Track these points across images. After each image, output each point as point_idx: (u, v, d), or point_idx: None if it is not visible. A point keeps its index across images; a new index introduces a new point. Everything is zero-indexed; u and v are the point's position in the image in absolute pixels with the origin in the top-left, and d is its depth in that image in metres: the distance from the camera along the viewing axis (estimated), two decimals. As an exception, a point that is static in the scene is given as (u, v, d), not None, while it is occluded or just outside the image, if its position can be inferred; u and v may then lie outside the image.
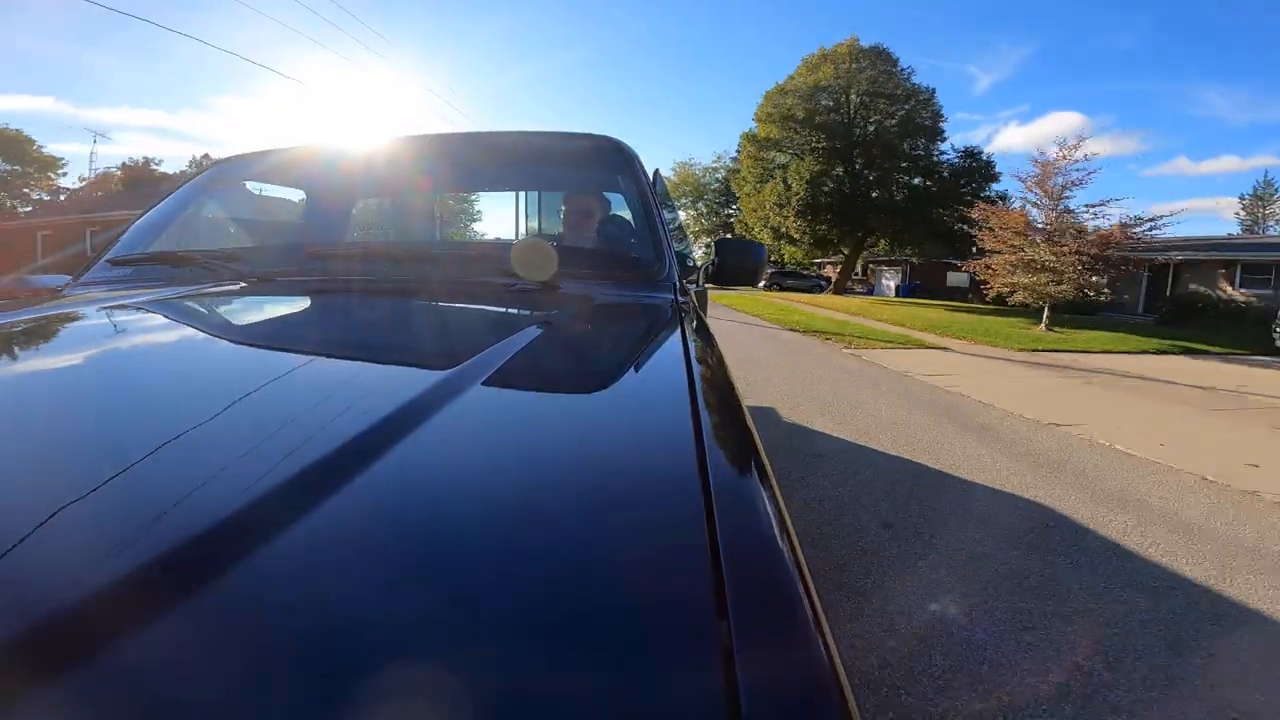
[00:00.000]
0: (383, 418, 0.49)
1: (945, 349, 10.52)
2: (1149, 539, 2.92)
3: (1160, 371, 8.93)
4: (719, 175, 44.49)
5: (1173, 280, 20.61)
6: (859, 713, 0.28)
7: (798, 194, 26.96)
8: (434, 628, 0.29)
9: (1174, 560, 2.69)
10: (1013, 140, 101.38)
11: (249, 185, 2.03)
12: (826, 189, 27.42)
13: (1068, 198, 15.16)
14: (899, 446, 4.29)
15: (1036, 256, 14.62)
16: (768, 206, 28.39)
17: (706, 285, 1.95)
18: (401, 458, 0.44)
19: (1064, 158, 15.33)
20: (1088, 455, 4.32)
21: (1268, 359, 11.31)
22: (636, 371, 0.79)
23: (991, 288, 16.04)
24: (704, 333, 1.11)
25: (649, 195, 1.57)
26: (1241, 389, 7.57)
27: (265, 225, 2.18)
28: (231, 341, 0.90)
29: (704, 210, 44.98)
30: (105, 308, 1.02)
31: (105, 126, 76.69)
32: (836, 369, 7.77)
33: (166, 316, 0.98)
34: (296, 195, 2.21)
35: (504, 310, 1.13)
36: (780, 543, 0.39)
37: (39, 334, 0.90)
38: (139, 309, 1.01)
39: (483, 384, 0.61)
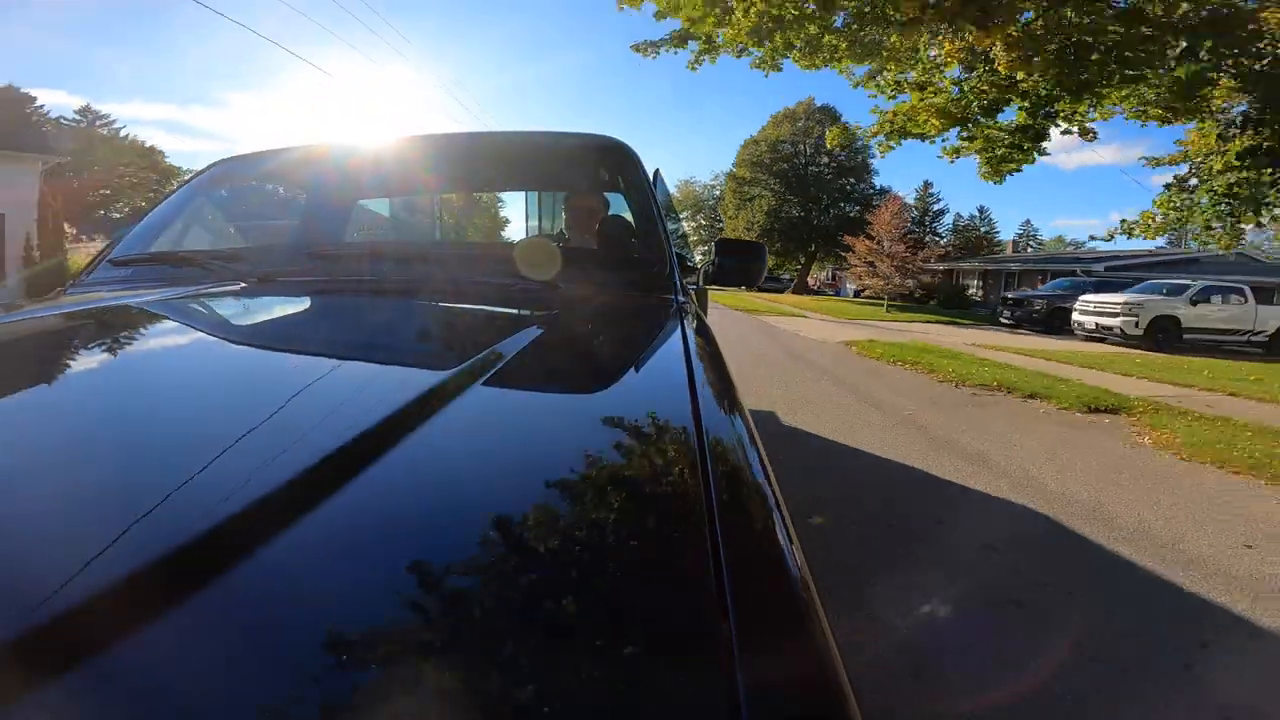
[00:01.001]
0: (384, 417, 0.49)
1: (807, 317, 17.48)
2: (788, 346, 10.71)
3: (909, 328, 15.59)
4: (715, 192, 52.78)
5: (1016, 283, 28.73)
6: (860, 713, 0.28)
7: (759, 221, 37.89)
8: (435, 628, 0.30)
9: (791, 348, 10.38)
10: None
11: (250, 185, 2.05)
12: (782, 216, 38.20)
13: (912, 228, 24.88)
14: (745, 343, 10.73)
15: (878, 266, 24.16)
16: (741, 229, 38.85)
17: (706, 285, 1.99)
18: (403, 457, 0.45)
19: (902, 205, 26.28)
20: (802, 343, 11.36)
21: (982, 326, 17.88)
22: (637, 371, 0.80)
23: (865, 288, 26.52)
24: (704, 332, 1.12)
25: (650, 195, 1.58)
26: (909, 330, 14.79)
27: (266, 225, 2.22)
28: (232, 342, 0.90)
29: (703, 222, 53.18)
30: (106, 308, 1.03)
31: (118, 120, 74.84)
32: (744, 324, 14.49)
33: (167, 317, 0.98)
34: (297, 195, 2.22)
35: (505, 310, 1.14)
36: (781, 542, 0.40)
37: (40, 334, 0.90)
38: (140, 309, 1.01)
39: (483, 384, 0.61)
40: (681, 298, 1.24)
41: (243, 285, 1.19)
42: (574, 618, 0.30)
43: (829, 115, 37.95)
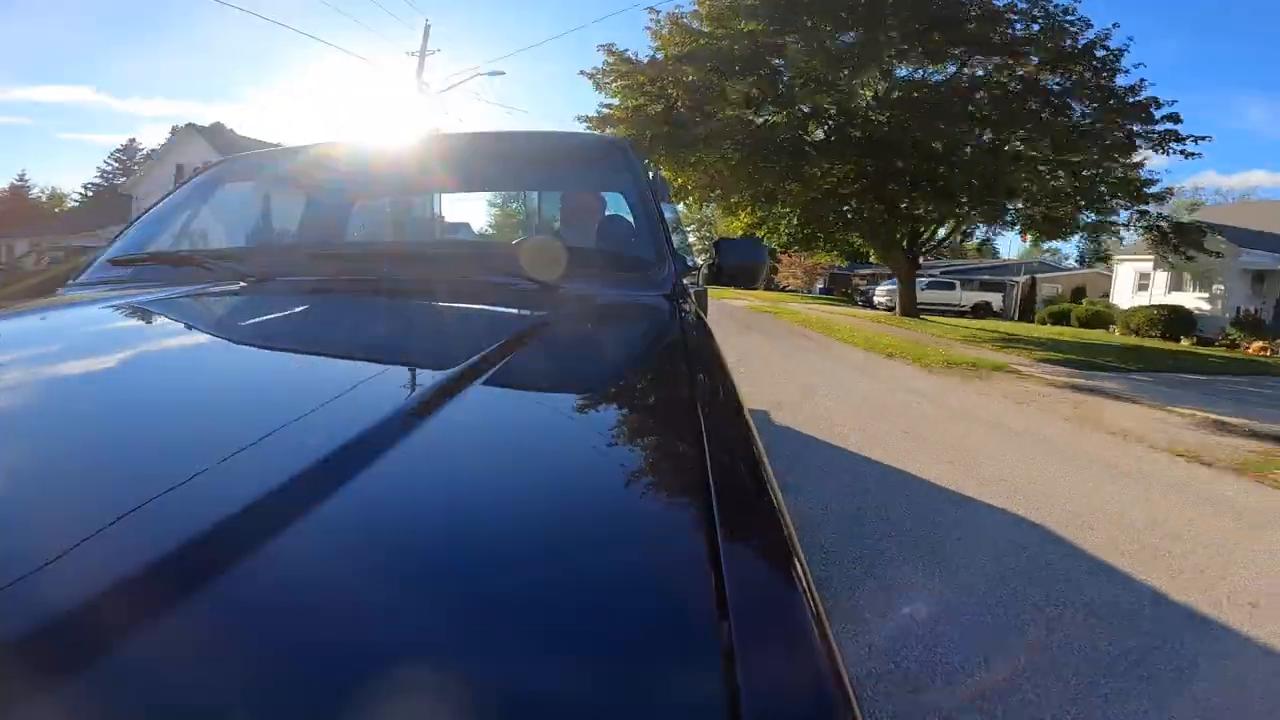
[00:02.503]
0: (383, 417, 0.49)
1: (744, 298, 22.60)
2: (722, 306, 14.92)
3: (794, 304, 22.94)
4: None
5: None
6: (861, 714, 0.28)
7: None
8: (434, 629, 0.30)
9: (744, 316, 15.37)
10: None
11: (250, 185, 2.05)
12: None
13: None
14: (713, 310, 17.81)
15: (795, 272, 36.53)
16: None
17: (706, 285, 1.98)
18: (402, 457, 0.44)
19: None
20: (730, 305, 17.99)
21: (845, 305, 25.66)
22: (637, 371, 0.80)
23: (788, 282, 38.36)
24: (704, 332, 1.11)
25: (649, 195, 1.56)
26: (791, 304, 22.36)
27: (265, 225, 2.20)
28: (231, 342, 0.90)
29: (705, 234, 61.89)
30: (104, 308, 1.02)
31: (140, 118, 74.34)
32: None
33: (166, 316, 0.98)
34: (297, 195, 2.21)
35: (504, 310, 1.14)
36: (781, 543, 0.39)
37: (37, 333, 0.89)
38: (138, 309, 1.00)
39: (482, 384, 0.61)
40: (681, 297, 1.25)
41: (241, 285, 1.19)
42: (574, 618, 0.30)
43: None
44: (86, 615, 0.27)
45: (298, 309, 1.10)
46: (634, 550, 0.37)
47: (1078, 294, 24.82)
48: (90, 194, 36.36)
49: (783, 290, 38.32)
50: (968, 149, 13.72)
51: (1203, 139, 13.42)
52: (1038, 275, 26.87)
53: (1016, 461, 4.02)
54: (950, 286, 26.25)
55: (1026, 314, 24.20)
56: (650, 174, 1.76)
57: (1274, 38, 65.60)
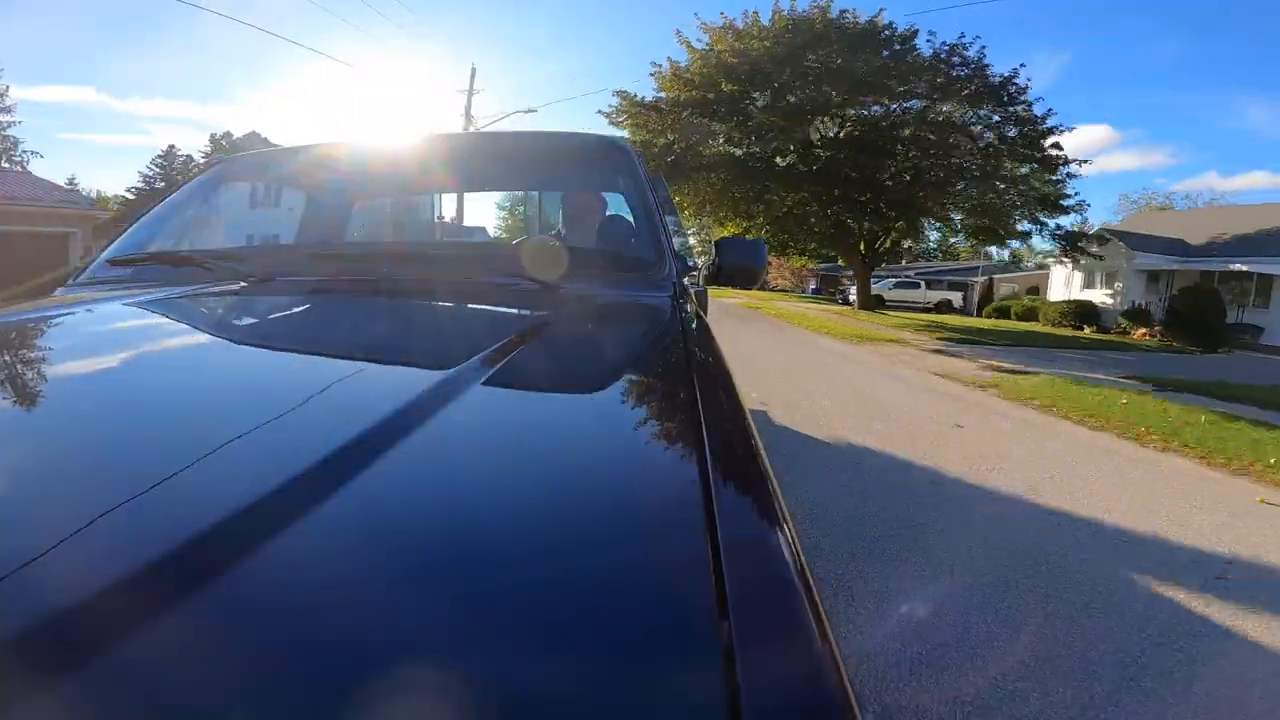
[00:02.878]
0: (383, 417, 0.48)
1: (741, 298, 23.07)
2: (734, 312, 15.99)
3: (779, 301, 23.73)
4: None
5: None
6: (860, 713, 0.27)
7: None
8: (434, 629, 0.29)
9: (730, 309, 15.94)
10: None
11: (250, 185, 2.06)
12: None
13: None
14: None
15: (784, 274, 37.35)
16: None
17: (706, 285, 1.90)
18: (402, 457, 0.43)
19: None
20: (723, 300, 18.47)
21: (827, 303, 25.42)
22: (637, 371, 0.78)
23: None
24: (704, 332, 1.08)
25: (649, 195, 1.50)
26: (779, 301, 23.11)
27: (265, 225, 2.10)
28: (231, 342, 0.87)
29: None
30: (104, 308, 0.98)
31: (141, 118, 72.56)
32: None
33: (165, 316, 0.94)
34: (298, 195, 2.12)
35: (504, 310, 1.10)
36: (781, 542, 0.38)
37: (35, 333, 0.85)
38: (137, 309, 0.96)
39: (483, 384, 0.59)
40: (681, 297, 1.20)
41: (241, 285, 1.14)
42: (574, 617, 0.29)
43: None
44: (86, 614, 0.27)
45: (298, 309, 1.07)
46: (634, 549, 0.36)
47: (1033, 292, 25.40)
48: (134, 197, 36.82)
49: (773, 290, 40.94)
50: (888, 179, 16.77)
51: (1085, 162, 17.01)
52: (996, 276, 28.13)
53: (854, 377, 7.35)
54: (916, 285, 27.78)
55: (982, 310, 25.59)
56: (650, 174, 1.68)
57: (1275, 38, 63.23)
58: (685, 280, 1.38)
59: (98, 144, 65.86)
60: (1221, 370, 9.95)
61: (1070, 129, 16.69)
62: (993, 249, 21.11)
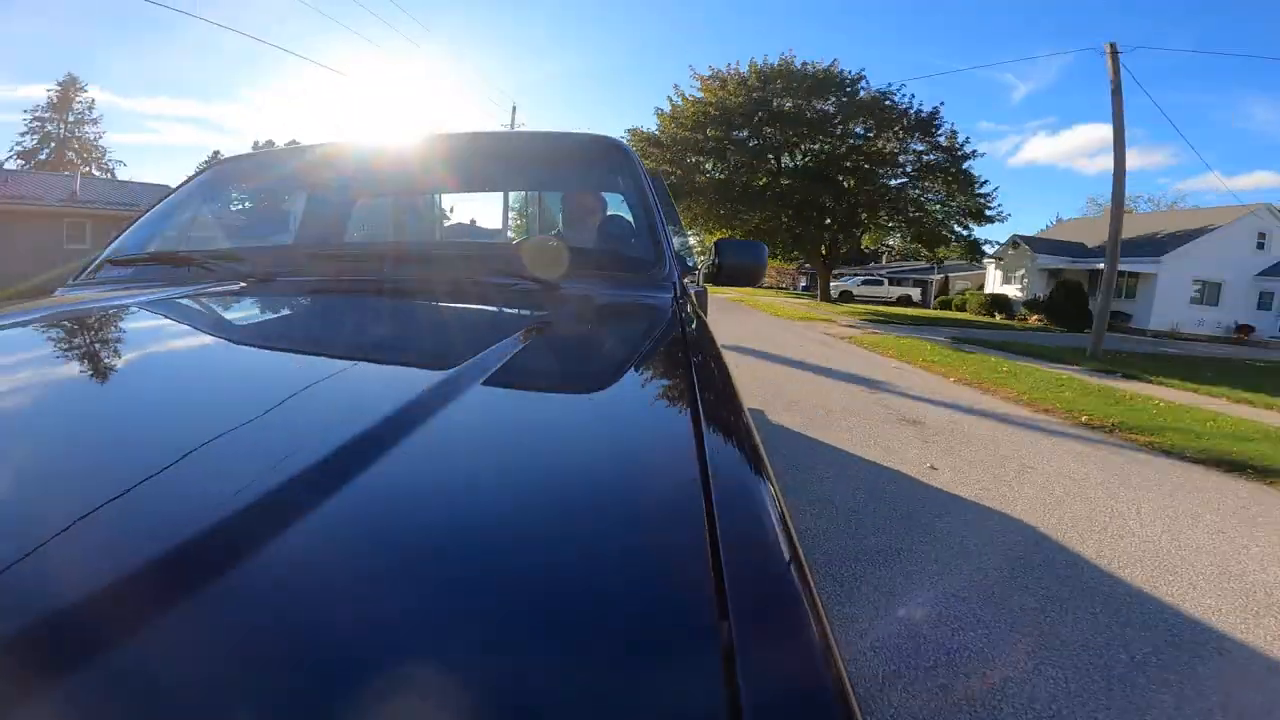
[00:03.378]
0: (383, 418, 0.46)
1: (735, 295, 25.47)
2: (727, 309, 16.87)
3: (761, 296, 26.89)
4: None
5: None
6: (860, 713, 0.27)
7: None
8: (433, 629, 0.28)
9: (716, 301, 10.47)
10: (1038, 152, 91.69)
11: (251, 185, 1.90)
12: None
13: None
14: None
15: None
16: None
17: (706, 285, 1.83)
18: (402, 457, 0.42)
19: None
20: (726, 300, 20.84)
21: (809, 298, 27.05)
22: (637, 371, 0.76)
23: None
24: (704, 332, 1.03)
25: (649, 195, 1.44)
26: (763, 296, 27.76)
27: (265, 225, 2.01)
28: (230, 342, 0.83)
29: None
30: (103, 308, 0.94)
31: (145, 116, 73.35)
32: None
33: (165, 317, 0.91)
34: (297, 195, 2.02)
35: (504, 310, 1.05)
36: (781, 542, 0.37)
37: (35, 333, 0.82)
38: (137, 309, 0.92)
39: (483, 384, 0.57)
40: (681, 297, 1.15)
41: (241, 285, 1.10)
42: (573, 618, 0.29)
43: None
44: (86, 614, 0.26)
45: (297, 309, 1.03)
46: (634, 550, 0.35)
47: (982, 288, 28.05)
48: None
49: (763, 287, 43.81)
50: (830, 203, 20.08)
51: (985, 182, 20.79)
52: (952, 274, 30.00)
53: (774, 333, 10.45)
54: (880, 283, 29.87)
55: (934, 303, 28.12)
56: (650, 174, 1.58)
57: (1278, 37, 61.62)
58: (685, 280, 1.31)
59: (105, 141, 63.62)
60: (1044, 341, 12.88)
61: (981, 155, 22.43)
62: (937, 251, 26.48)
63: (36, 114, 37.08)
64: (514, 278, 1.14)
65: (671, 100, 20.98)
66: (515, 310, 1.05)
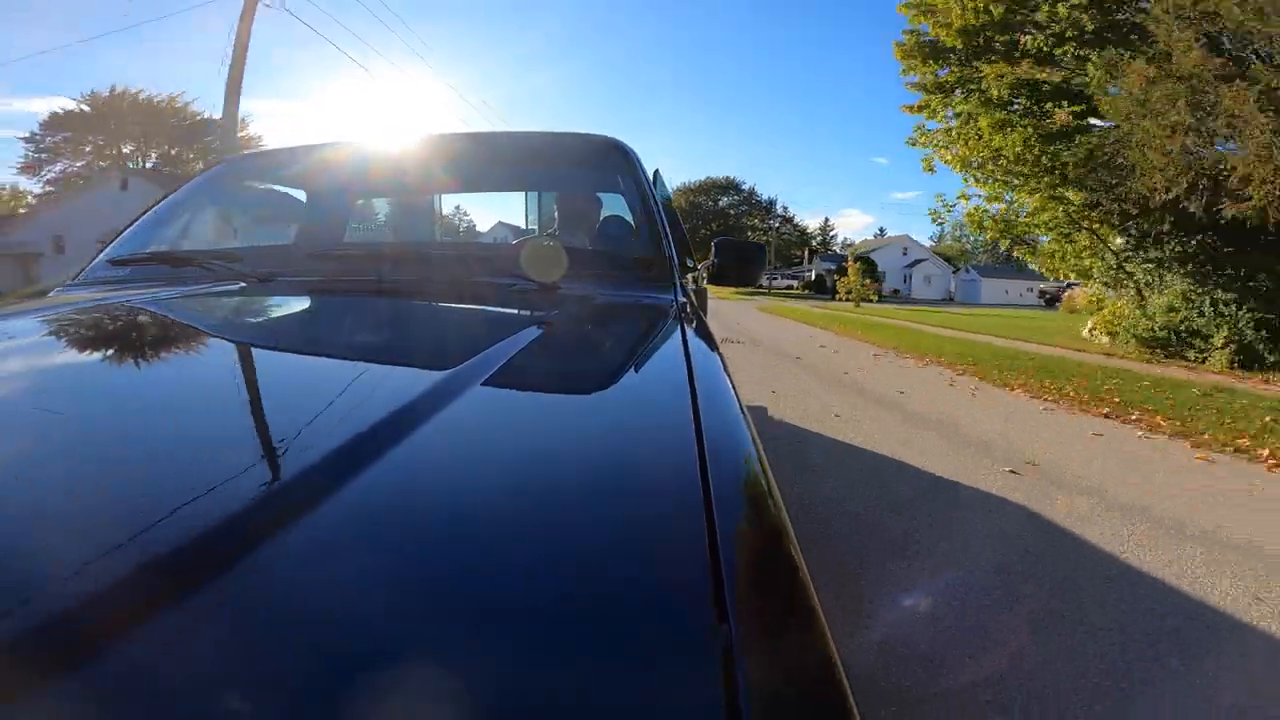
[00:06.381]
0: (383, 418, 0.45)
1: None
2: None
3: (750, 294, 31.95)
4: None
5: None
6: (858, 712, 0.26)
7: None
8: (432, 629, 0.28)
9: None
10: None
11: (251, 185, 1.88)
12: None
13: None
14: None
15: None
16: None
17: (706, 285, 1.79)
18: (402, 458, 0.41)
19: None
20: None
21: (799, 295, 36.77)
22: (636, 372, 0.75)
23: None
24: (704, 333, 1.02)
25: (649, 195, 1.43)
26: (754, 293, 33.56)
27: (266, 225, 2.04)
28: (231, 342, 0.82)
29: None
30: (103, 307, 0.92)
31: None
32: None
33: (166, 316, 0.89)
34: (298, 195, 2.01)
35: (504, 310, 1.03)
36: (780, 543, 0.37)
37: (34, 333, 0.81)
38: (138, 308, 0.92)
39: (483, 384, 0.56)
40: (681, 298, 1.14)
41: (242, 285, 1.09)
42: (573, 619, 0.28)
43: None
44: (85, 613, 0.26)
45: (297, 309, 1.02)
46: (633, 550, 0.35)
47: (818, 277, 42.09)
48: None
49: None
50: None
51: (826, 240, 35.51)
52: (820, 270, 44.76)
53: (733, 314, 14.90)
54: (795, 278, 44.03)
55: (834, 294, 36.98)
56: (650, 174, 1.59)
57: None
58: (685, 280, 1.29)
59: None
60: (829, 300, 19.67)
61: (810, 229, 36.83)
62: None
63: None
64: (514, 278, 1.11)
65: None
66: (515, 311, 1.03)
